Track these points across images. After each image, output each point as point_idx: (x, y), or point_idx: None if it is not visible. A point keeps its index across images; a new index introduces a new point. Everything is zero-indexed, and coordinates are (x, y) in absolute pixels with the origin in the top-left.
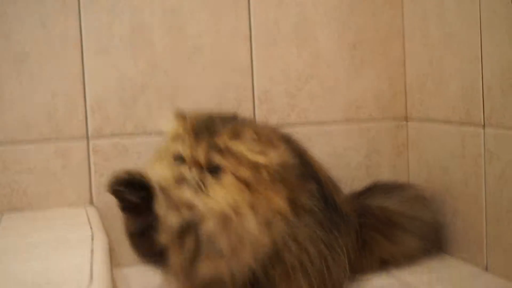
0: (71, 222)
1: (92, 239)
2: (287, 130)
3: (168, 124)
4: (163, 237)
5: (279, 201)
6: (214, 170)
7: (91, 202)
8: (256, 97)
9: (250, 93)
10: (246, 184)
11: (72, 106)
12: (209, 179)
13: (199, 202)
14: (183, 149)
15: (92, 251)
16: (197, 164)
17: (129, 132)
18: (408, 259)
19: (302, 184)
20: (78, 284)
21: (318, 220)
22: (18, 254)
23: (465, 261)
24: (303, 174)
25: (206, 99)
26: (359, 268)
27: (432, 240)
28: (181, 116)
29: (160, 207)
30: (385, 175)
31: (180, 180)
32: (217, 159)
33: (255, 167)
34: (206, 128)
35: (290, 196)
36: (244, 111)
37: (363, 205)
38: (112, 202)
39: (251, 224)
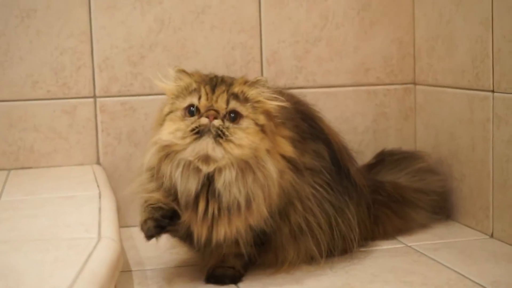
0: (78, 180)
1: (100, 197)
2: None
3: (170, 83)
4: (185, 214)
5: (288, 147)
6: (233, 117)
7: (98, 161)
8: (264, 59)
9: (258, 54)
10: (262, 129)
11: (79, 64)
12: (230, 125)
13: (220, 151)
14: (200, 100)
15: (100, 209)
16: (216, 113)
17: (137, 92)
18: (417, 230)
19: (306, 143)
20: (87, 242)
21: (325, 180)
22: (26, 211)
23: (471, 227)
24: (310, 133)
25: (213, 59)
26: (369, 237)
27: (441, 209)
28: (186, 72)
29: (176, 175)
30: (392, 139)
31: (200, 131)
32: (236, 105)
33: (268, 113)
34: (222, 81)
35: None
36: (252, 73)
37: (376, 182)
38: (118, 162)
39: (270, 167)
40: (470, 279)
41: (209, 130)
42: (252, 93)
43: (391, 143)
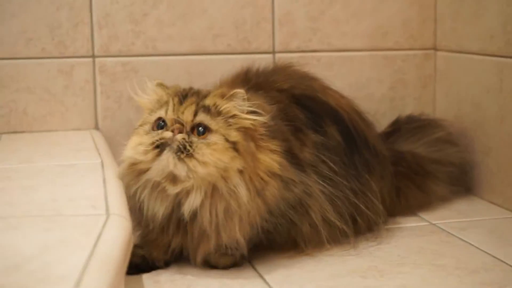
0: (76, 147)
1: (103, 167)
2: (308, 56)
3: (147, 96)
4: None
5: (272, 163)
6: (201, 131)
7: (96, 126)
8: (276, 19)
9: (270, 13)
10: (235, 147)
11: (77, 21)
12: (195, 140)
13: (182, 168)
14: (166, 112)
15: (104, 180)
16: (181, 126)
17: (139, 52)
18: (439, 204)
19: (305, 137)
20: (95, 219)
21: (334, 170)
22: (22, 181)
23: (497, 205)
24: (310, 122)
25: (221, 18)
26: (390, 213)
27: (458, 182)
28: (163, 86)
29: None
30: (410, 108)
31: (160, 145)
32: (205, 119)
33: (244, 128)
34: (194, 92)
35: (288, 150)
36: (262, 34)
37: (394, 152)
38: (118, 127)
39: (240, 191)
40: (507, 263)
41: (170, 144)
42: (226, 106)
43: (409, 112)
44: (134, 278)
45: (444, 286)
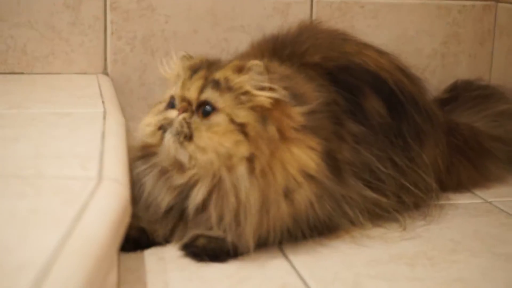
0: (78, 93)
1: (104, 118)
2: (351, 2)
3: (170, 70)
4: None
5: (309, 161)
6: (206, 110)
7: (105, 70)
8: None
9: None
10: (243, 129)
11: None
12: (197, 121)
13: (183, 153)
14: (176, 88)
15: (103, 134)
16: (187, 105)
17: None
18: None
19: (343, 129)
20: (82, 184)
21: (379, 155)
22: (5, 130)
23: None
24: (348, 106)
25: None
26: (441, 187)
27: None
28: (188, 57)
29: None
30: (463, 67)
31: (164, 126)
32: (212, 96)
33: (262, 108)
34: (208, 64)
35: (328, 151)
36: None
37: (450, 122)
38: (130, 72)
39: (242, 184)
40: None
41: (171, 126)
42: (238, 81)
43: (462, 72)
44: (133, 255)
45: (510, 281)
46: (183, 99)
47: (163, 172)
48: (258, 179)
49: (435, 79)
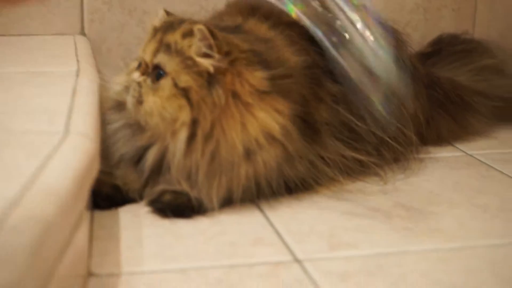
0: (53, 53)
1: (77, 75)
2: None
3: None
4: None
5: (272, 121)
6: (157, 74)
7: (82, 31)
8: None
9: None
10: (186, 94)
11: None
12: (145, 85)
13: (141, 116)
14: (141, 49)
15: (74, 91)
16: (145, 67)
17: None
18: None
19: (321, 88)
20: (47, 138)
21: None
22: None
23: None
24: (323, 72)
25: None
26: (422, 141)
27: (505, 118)
28: (165, 14)
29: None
30: (446, 22)
31: (127, 87)
32: (163, 60)
33: (205, 72)
34: (168, 26)
35: (301, 115)
36: None
37: (431, 75)
38: (108, 32)
39: (177, 148)
40: None
41: (130, 88)
42: (182, 45)
43: (445, 26)
44: (108, 212)
45: (488, 230)
46: (143, 61)
47: (133, 128)
48: (200, 143)
49: (418, 33)
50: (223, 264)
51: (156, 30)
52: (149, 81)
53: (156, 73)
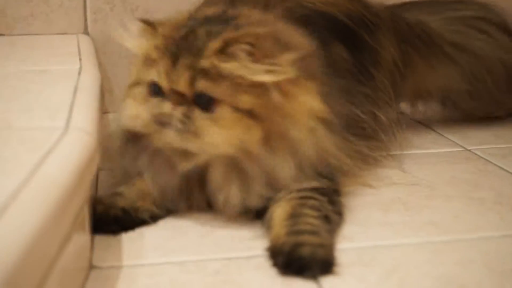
0: (57, 52)
1: (79, 73)
2: None
3: (135, 40)
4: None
5: (317, 103)
6: (204, 102)
7: (86, 30)
8: None
9: None
10: (251, 113)
11: None
12: (198, 115)
13: (190, 144)
14: (159, 76)
15: (76, 88)
16: (180, 97)
17: None
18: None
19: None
20: (48, 133)
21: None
22: None
23: None
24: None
25: None
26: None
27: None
28: (150, 29)
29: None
30: None
31: (161, 121)
32: (206, 86)
33: (260, 87)
34: (186, 44)
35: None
36: None
37: (397, 17)
38: (112, 32)
39: (270, 162)
40: None
41: (170, 121)
42: (228, 67)
43: None
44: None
45: (482, 223)
46: (173, 91)
47: (158, 152)
48: (279, 147)
49: None
50: (222, 257)
51: (171, 54)
52: (198, 112)
53: (203, 101)
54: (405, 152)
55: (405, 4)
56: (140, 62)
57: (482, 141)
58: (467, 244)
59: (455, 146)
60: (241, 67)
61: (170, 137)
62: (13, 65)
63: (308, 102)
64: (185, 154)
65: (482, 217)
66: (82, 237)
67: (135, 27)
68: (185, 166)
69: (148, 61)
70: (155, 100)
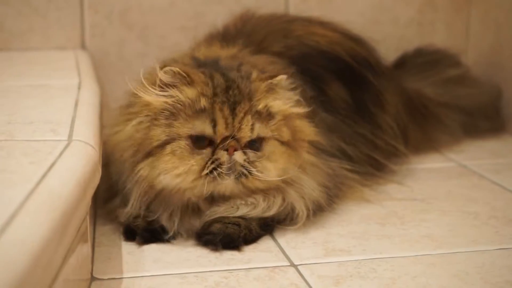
0: (55, 66)
1: (79, 88)
2: None
3: (157, 93)
4: None
5: (310, 129)
6: (257, 144)
7: (83, 45)
8: None
9: None
10: (288, 144)
11: None
12: (253, 156)
13: (238, 189)
14: (215, 129)
15: (76, 103)
16: (236, 143)
17: None
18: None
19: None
20: (51, 146)
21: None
22: None
23: None
24: (315, 101)
25: None
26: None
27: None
28: (184, 75)
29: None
30: (440, 36)
31: (219, 171)
32: (262, 130)
33: (291, 120)
34: (237, 89)
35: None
36: None
37: (399, 81)
38: (108, 47)
39: (308, 184)
40: None
41: (230, 168)
42: (276, 104)
43: (439, 40)
44: (109, 220)
45: (477, 237)
46: (232, 137)
47: (186, 207)
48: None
49: (412, 47)
50: (222, 269)
51: (228, 101)
52: (252, 153)
53: (253, 145)
54: (403, 166)
55: (396, 67)
56: (159, 115)
57: (477, 157)
58: (463, 256)
59: (450, 161)
60: (286, 102)
61: (226, 185)
62: (11, 79)
63: (307, 129)
64: (213, 198)
65: (477, 231)
66: (85, 249)
67: (161, 76)
68: (210, 208)
69: (190, 111)
70: (205, 152)
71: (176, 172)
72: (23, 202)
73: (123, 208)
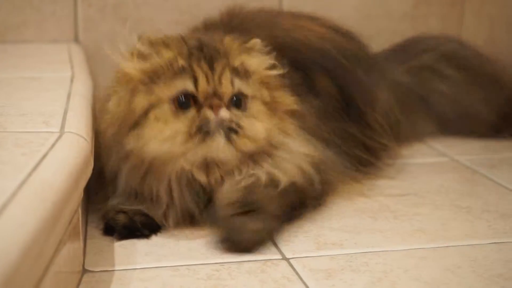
0: (48, 59)
1: (72, 81)
2: None
3: (134, 61)
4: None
5: (289, 98)
6: (238, 102)
7: (76, 38)
8: None
9: None
10: (271, 107)
11: None
12: (240, 114)
13: (231, 151)
14: (197, 84)
15: (69, 95)
16: (220, 101)
17: None
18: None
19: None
20: (43, 138)
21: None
22: None
23: None
24: (302, 88)
25: None
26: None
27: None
28: (160, 42)
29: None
30: (433, 30)
31: (208, 131)
32: (241, 86)
33: (269, 83)
34: (212, 49)
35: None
36: None
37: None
38: (102, 40)
39: (294, 147)
40: None
41: (217, 126)
42: (252, 63)
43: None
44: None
45: (470, 232)
46: (213, 94)
47: (180, 177)
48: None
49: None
50: (214, 262)
51: (205, 57)
52: (237, 111)
53: (238, 100)
54: (394, 162)
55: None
56: (139, 84)
57: (470, 151)
58: (455, 250)
59: (443, 156)
60: (261, 62)
61: (217, 145)
62: (5, 71)
63: (287, 98)
64: (208, 166)
65: (470, 225)
66: (77, 241)
67: (135, 45)
68: (206, 178)
69: (169, 72)
70: (190, 113)
71: (163, 135)
72: (14, 192)
73: (111, 198)
